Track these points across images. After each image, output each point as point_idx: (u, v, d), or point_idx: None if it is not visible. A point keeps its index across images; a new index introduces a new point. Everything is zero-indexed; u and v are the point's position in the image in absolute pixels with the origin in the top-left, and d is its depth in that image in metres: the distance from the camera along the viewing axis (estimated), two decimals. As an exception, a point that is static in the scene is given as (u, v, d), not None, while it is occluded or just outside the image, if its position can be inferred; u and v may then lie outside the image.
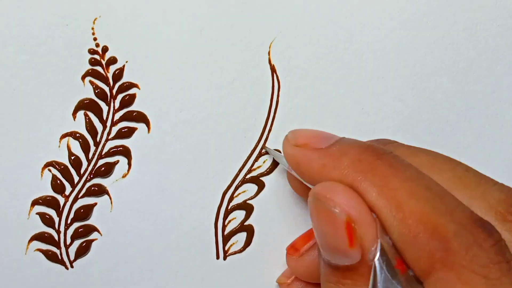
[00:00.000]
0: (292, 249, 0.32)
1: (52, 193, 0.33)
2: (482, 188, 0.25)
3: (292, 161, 0.27)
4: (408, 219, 0.22)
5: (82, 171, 0.33)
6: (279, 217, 0.34)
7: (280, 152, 0.32)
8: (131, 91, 0.32)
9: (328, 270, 0.24)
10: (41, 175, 0.32)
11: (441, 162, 0.26)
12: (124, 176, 0.33)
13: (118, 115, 0.32)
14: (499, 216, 0.24)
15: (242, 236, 0.34)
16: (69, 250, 0.33)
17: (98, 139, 0.32)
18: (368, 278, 0.23)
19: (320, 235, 0.24)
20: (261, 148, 0.33)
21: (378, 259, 0.22)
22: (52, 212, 0.33)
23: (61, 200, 0.33)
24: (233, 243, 0.34)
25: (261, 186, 0.34)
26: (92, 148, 0.33)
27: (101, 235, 0.33)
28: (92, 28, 0.32)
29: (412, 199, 0.22)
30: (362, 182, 0.23)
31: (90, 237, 0.33)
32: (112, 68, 0.32)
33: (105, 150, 0.33)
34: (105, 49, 0.32)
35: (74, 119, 0.32)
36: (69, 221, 0.33)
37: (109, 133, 0.32)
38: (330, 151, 0.25)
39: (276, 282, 0.34)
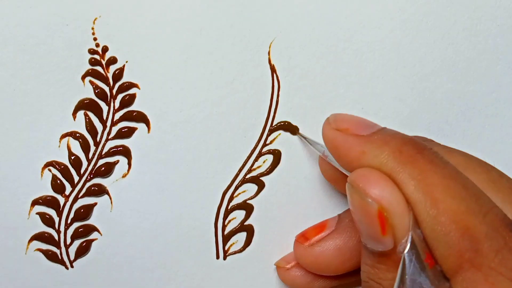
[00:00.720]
0: (302, 237, 0.32)
1: (52, 193, 0.33)
2: None
3: (331, 145, 0.26)
4: (441, 216, 0.22)
5: (82, 171, 0.33)
6: (279, 217, 0.34)
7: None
8: (131, 91, 0.32)
9: (366, 253, 0.25)
10: (41, 175, 0.32)
11: (476, 164, 0.27)
12: (124, 176, 0.33)
13: (118, 115, 0.32)
14: None
15: (242, 236, 0.34)
16: (69, 250, 0.33)
17: (98, 139, 0.32)
18: (397, 263, 0.23)
19: (357, 222, 0.24)
20: (261, 149, 0.33)
21: (408, 251, 0.22)
22: (52, 212, 0.33)
23: (61, 200, 0.33)
24: (233, 243, 0.34)
25: (261, 186, 0.34)
26: (92, 148, 0.33)
27: (101, 235, 0.33)
28: (92, 28, 0.32)
29: (448, 197, 0.22)
30: (400, 173, 0.23)
31: (90, 237, 0.33)
32: (112, 68, 0.32)
33: (105, 150, 0.33)
34: (105, 49, 0.32)
35: (74, 119, 0.32)
36: (69, 221, 0.33)
37: (109, 133, 0.32)
38: (371, 138, 0.25)
39: (274, 265, 0.34)
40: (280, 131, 0.33)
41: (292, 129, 0.33)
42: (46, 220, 0.33)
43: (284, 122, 0.33)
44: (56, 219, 0.33)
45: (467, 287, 0.22)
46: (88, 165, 0.33)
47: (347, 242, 0.30)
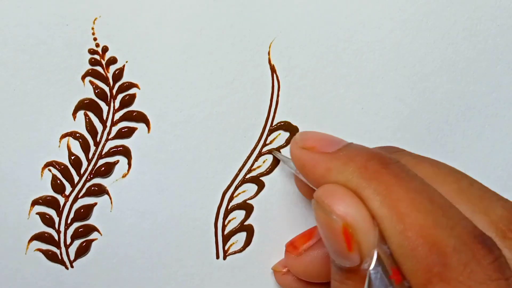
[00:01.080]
0: (291, 247, 0.32)
1: (52, 193, 0.33)
2: (485, 203, 0.25)
3: (298, 163, 0.27)
4: (408, 231, 0.22)
5: (82, 171, 0.33)
6: (279, 217, 0.34)
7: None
8: (131, 91, 0.32)
9: (334, 269, 0.25)
10: (41, 175, 0.32)
11: (446, 173, 0.26)
12: (124, 176, 0.33)
13: (118, 115, 0.32)
14: (499, 233, 0.24)
15: (242, 236, 0.34)
16: (69, 250, 0.33)
17: (98, 139, 0.32)
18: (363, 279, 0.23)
19: (324, 238, 0.24)
20: (261, 149, 0.33)
21: (374, 268, 0.22)
22: (52, 212, 0.33)
23: (61, 200, 0.33)
24: (233, 243, 0.34)
25: (261, 186, 0.34)
26: (92, 148, 0.33)
27: (101, 235, 0.33)
28: (92, 28, 0.32)
29: (414, 211, 0.22)
30: (365, 189, 0.23)
31: (90, 237, 0.33)
32: (112, 68, 0.32)
33: (105, 150, 0.33)
34: (105, 49, 0.32)
35: (74, 119, 0.32)
36: (69, 221, 0.33)
37: (109, 133, 0.32)
38: (337, 155, 0.25)
39: (272, 269, 0.34)
40: (280, 131, 0.33)
41: (292, 129, 0.33)
42: (46, 220, 0.33)
43: (284, 122, 0.33)
44: (56, 219, 0.33)
45: None
46: (88, 165, 0.33)
47: None
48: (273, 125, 0.33)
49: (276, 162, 0.33)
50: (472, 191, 0.26)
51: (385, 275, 0.22)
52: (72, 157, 0.32)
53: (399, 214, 0.22)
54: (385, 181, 0.23)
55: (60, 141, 0.32)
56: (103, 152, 0.33)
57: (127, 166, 0.33)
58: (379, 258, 0.22)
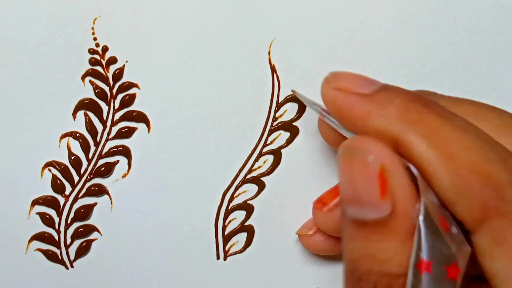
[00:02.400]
0: (320, 203, 0.31)
1: (52, 193, 0.33)
2: None
3: (332, 105, 0.25)
4: (460, 169, 0.21)
5: (82, 171, 0.33)
6: (280, 218, 0.34)
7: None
8: (131, 91, 0.32)
9: (353, 228, 0.23)
10: (41, 175, 0.32)
11: (486, 111, 0.26)
12: (124, 176, 0.33)
13: (118, 115, 0.32)
14: None
15: (242, 237, 0.34)
16: (69, 250, 0.33)
17: (98, 139, 0.32)
18: (397, 233, 0.22)
19: (349, 186, 0.23)
20: (261, 149, 0.33)
21: (423, 216, 0.22)
22: (52, 212, 0.33)
23: (61, 200, 0.33)
24: (234, 244, 0.34)
25: (261, 186, 0.34)
26: (92, 148, 0.33)
27: (101, 235, 0.33)
28: (92, 28, 0.32)
29: (463, 149, 0.22)
30: (409, 132, 0.22)
31: (90, 237, 0.33)
32: (112, 68, 0.32)
33: (105, 150, 0.33)
34: (105, 49, 0.32)
35: (74, 119, 0.32)
36: (69, 221, 0.33)
37: (109, 133, 0.32)
38: (375, 97, 0.24)
39: (296, 234, 0.34)
40: (281, 131, 0.33)
41: (292, 129, 0.33)
42: (46, 220, 0.33)
43: (285, 122, 0.33)
44: (56, 219, 0.33)
45: (495, 236, 0.21)
46: (88, 165, 0.33)
47: None
48: (273, 125, 0.33)
49: (277, 162, 0.33)
50: None
51: (434, 224, 0.22)
52: (72, 157, 0.32)
53: (448, 154, 0.22)
54: (429, 123, 0.22)
55: (60, 141, 0.32)
56: (103, 152, 0.33)
57: (127, 166, 0.33)
58: (426, 207, 0.22)
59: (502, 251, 0.21)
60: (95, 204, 0.33)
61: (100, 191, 0.33)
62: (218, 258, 0.34)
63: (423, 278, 0.21)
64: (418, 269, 0.22)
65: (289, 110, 0.33)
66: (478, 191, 0.21)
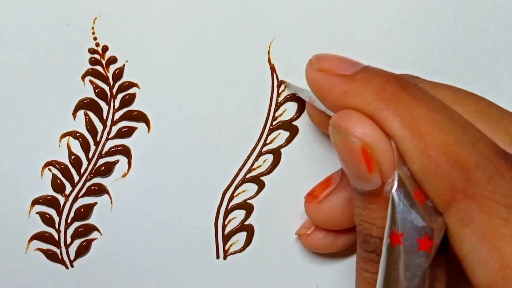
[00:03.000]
0: (311, 196, 0.32)
1: (52, 193, 0.33)
2: (505, 122, 0.25)
3: (315, 86, 0.26)
4: (430, 150, 0.22)
5: (82, 171, 0.33)
6: (279, 217, 0.34)
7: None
8: (131, 91, 0.32)
9: (356, 196, 0.25)
10: (41, 175, 0.32)
11: (464, 96, 0.26)
12: (124, 176, 0.33)
13: (118, 115, 0.32)
14: None
15: (242, 236, 0.34)
16: (69, 249, 0.33)
17: (98, 138, 0.32)
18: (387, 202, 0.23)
19: (343, 163, 0.24)
20: (261, 149, 0.33)
21: (396, 190, 0.22)
22: (52, 212, 0.33)
23: (61, 199, 0.33)
24: (233, 243, 0.34)
25: (261, 185, 0.34)
26: (92, 148, 0.33)
27: (101, 234, 0.33)
28: (92, 28, 0.32)
29: (434, 130, 0.22)
30: (384, 111, 0.23)
31: (90, 237, 0.33)
32: (112, 68, 0.32)
33: (105, 149, 0.33)
34: (105, 49, 0.32)
35: (74, 119, 0.32)
36: (69, 221, 0.33)
37: (109, 133, 0.32)
38: (354, 77, 0.24)
39: (296, 234, 0.34)
40: (280, 131, 0.33)
41: (292, 128, 0.33)
42: (46, 219, 0.33)
43: (284, 121, 0.33)
44: (56, 219, 0.33)
45: (462, 218, 0.22)
46: (88, 165, 0.33)
47: None
48: (273, 124, 0.33)
49: (276, 161, 0.33)
50: (491, 111, 0.26)
51: (407, 197, 0.22)
52: (72, 157, 0.32)
53: (419, 134, 0.22)
54: (404, 102, 0.23)
55: (60, 141, 0.32)
56: (103, 152, 0.33)
57: (127, 165, 0.33)
58: (400, 180, 0.22)
59: (470, 233, 0.22)
60: (95, 203, 0.33)
61: (100, 190, 0.33)
62: (218, 257, 0.34)
63: (395, 250, 0.22)
64: (391, 240, 0.22)
65: (289, 110, 0.33)
66: (446, 173, 0.21)
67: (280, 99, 0.33)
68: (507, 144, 0.24)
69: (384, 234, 0.23)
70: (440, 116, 0.22)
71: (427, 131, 0.22)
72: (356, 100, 0.24)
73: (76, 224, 0.33)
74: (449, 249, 0.24)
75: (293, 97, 0.33)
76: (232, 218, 0.34)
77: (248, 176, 0.33)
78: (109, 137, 0.33)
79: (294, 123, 0.33)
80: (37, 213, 0.33)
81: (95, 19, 0.32)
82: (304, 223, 0.33)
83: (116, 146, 0.33)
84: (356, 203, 0.25)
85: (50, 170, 0.32)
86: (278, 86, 0.33)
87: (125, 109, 0.32)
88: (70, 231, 0.33)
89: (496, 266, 0.21)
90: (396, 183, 0.22)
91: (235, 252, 0.34)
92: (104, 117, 0.32)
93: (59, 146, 0.32)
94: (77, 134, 0.32)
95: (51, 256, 0.33)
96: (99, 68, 0.32)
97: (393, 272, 0.22)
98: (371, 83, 0.24)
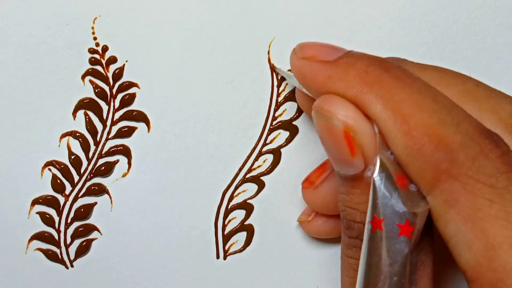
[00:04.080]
0: (307, 182, 0.31)
1: (52, 193, 0.33)
2: (492, 101, 0.25)
3: (299, 73, 0.26)
4: (413, 131, 0.22)
5: (82, 171, 0.33)
6: (279, 217, 0.34)
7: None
8: (131, 91, 0.32)
9: (340, 181, 0.25)
10: (41, 175, 0.32)
11: (450, 77, 0.26)
12: (124, 176, 0.33)
13: (118, 115, 0.32)
14: (509, 129, 0.24)
15: (242, 236, 0.34)
16: (69, 249, 0.33)
17: (98, 138, 0.33)
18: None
19: (325, 147, 0.24)
20: (261, 149, 0.33)
21: (377, 175, 0.22)
22: (52, 212, 0.33)
23: (61, 199, 0.33)
24: (233, 243, 0.34)
25: (261, 185, 0.34)
26: (92, 148, 0.33)
27: (101, 234, 0.33)
28: (92, 28, 0.32)
29: (418, 111, 0.22)
30: (367, 94, 0.23)
31: (90, 237, 0.33)
32: (112, 68, 0.32)
33: (105, 149, 0.33)
34: (105, 49, 0.32)
35: (74, 119, 0.32)
36: (69, 221, 0.33)
37: (109, 133, 0.32)
38: (337, 63, 0.24)
39: (297, 221, 0.34)
40: (280, 130, 0.33)
41: (292, 128, 0.33)
42: (46, 219, 0.33)
43: (284, 121, 0.33)
44: (56, 219, 0.33)
45: (446, 199, 0.22)
46: (88, 165, 0.33)
47: None
48: (273, 124, 0.33)
49: (276, 161, 0.33)
50: (479, 90, 0.25)
51: (389, 181, 0.22)
52: (72, 157, 0.32)
53: (402, 115, 0.22)
54: (387, 84, 0.23)
55: (60, 141, 0.32)
56: (103, 152, 0.33)
57: (127, 165, 0.33)
58: (382, 164, 0.22)
59: (454, 214, 0.22)
60: (95, 203, 0.33)
61: (100, 190, 0.33)
62: (218, 257, 0.34)
63: (376, 235, 0.22)
64: (371, 226, 0.22)
65: (289, 110, 0.33)
66: (430, 154, 0.21)
67: (280, 99, 0.33)
68: (494, 124, 0.24)
69: (366, 219, 0.23)
70: (423, 97, 0.22)
71: (410, 113, 0.22)
72: (339, 84, 0.24)
73: (76, 224, 0.33)
74: (434, 233, 0.24)
75: (293, 97, 0.33)
76: (232, 218, 0.34)
77: (248, 176, 0.33)
78: (109, 137, 0.33)
79: (294, 123, 0.33)
80: (37, 213, 0.33)
81: (95, 19, 0.32)
82: (305, 210, 0.33)
83: (116, 146, 0.33)
84: (339, 188, 0.25)
85: (50, 170, 0.32)
86: (278, 86, 0.33)
87: (125, 109, 0.32)
88: (70, 231, 0.33)
89: (480, 247, 0.21)
90: (377, 168, 0.22)
91: (235, 252, 0.34)
92: (104, 117, 0.32)
93: (59, 146, 0.32)
94: (77, 134, 0.32)
95: (51, 256, 0.33)
96: (99, 68, 0.32)
97: (374, 257, 0.22)
98: (353, 67, 0.24)
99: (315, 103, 0.24)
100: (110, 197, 0.33)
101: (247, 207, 0.34)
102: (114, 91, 0.32)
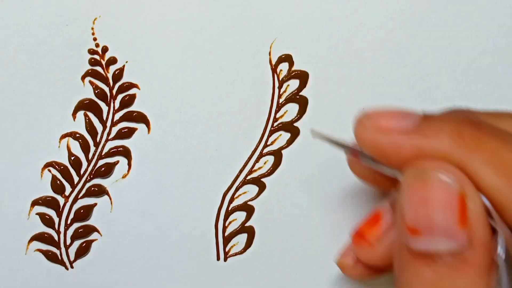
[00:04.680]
0: (359, 237, 0.27)
1: (52, 194, 0.33)
2: None
3: (376, 150, 0.23)
4: None
5: (82, 172, 0.33)
6: (280, 219, 0.34)
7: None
8: (131, 91, 0.32)
9: (418, 261, 0.21)
10: (41, 176, 0.32)
11: None
12: (124, 177, 0.33)
13: (118, 115, 0.32)
14: None
15: (242, 238, 0.34)
16: (69, 250, 0.33)
17: (98, 139, 0.32)
18: (475, 267, 0.20)
19: (420, 213, 0.21)
20: (262, 150, 0.33)
21: (503, 252, 0.20)
22: (52, 213, 0.33)
23: (61, 200, 0.33)
24: (234, 245, 0.34)
25: (262, 187, 0.34)
26: (92, 149, 0.33)
27: (101, 235, 0.33)
28: (92, 28, 0.32)
29: None
30: (472, 160, 0.20)
31: (90, 238, 0.33)
32: (112, 68, 0.32)
33: (105, 150, 0.33)
34: (105, 49, 0.32)
35: (74, 119, 0.32)
36: (69, 222, 0.33)
37: (109, 134, 0.32)
38: (423, 131, 0.21)
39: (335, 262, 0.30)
40: (281, 132, 0.33)
41: (293, 129, 0.33)
42: (46, 220, 0.33)
43: (285, 122, 0.33)
44: (56, 220, 0.33)
45: None
46: (88, 166, 0.33)
47: None
48: (274, 125, 0.33)
49: (277, 163, 0.33)
50: None
51: (510, 257, 0.20)
52: (72, 158, 0.32)
53: None
54: (488, 146, 0.20)
55: (60, 142, 0.32)
56: (103, 153, 0.33)
57: (127, 166, 0.33)
58: (506, 242, 0.20)
59: None
60: (95, 204, 0.33)
61: (100, 191, 0.33)
62: (218, 259, 0.34)
63: None
64: None
65: (290, 111, 0.33)
66: None
67: (281, 100, 0.33)
68: None
69: None
70: None
71: None
72: (434, 153, 0.21)
73: (76, 225, 0.33)
74: None
75: (294, 98, 0.33)
76: (233, 220, 0.34)
77: (248, 177, 0.33)
78: (109, 138, 0.33)
79: (295, 124, 0.33)
80: (37, 214, 0.33)
81: (95, 20, 0.32)
82: (344, 251, 0.29)
83: (116, 147, 0.33)
84: (417, 270, 0.21)
85: (49, 171, 0.32)
86: (279, 87, 0.33)
87: (125, 110, 0.32)
88: (70, 232, 0.33)
89: None
90: (503, 243, 0.20)
91: (235, 254, 0.34)
92: (104, 118, 0.32)
93: (58, 147, 0.32)
94: (77, 135, 0.32)
95: (51, 257, 0.33)
96: (99, 68, 0.32)
97: None
98: (444, 132, 0.21)
99: (422, 163, 0.21)
100: (110, 198, 0.33)
101: (248, 209, 0.34)
102: (114, 92, 0.32)
